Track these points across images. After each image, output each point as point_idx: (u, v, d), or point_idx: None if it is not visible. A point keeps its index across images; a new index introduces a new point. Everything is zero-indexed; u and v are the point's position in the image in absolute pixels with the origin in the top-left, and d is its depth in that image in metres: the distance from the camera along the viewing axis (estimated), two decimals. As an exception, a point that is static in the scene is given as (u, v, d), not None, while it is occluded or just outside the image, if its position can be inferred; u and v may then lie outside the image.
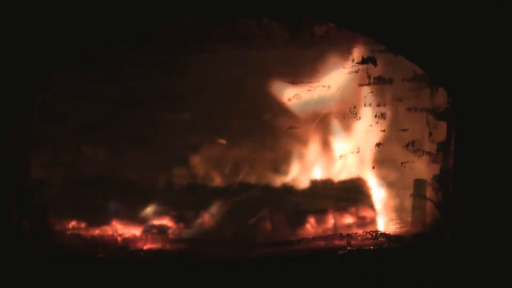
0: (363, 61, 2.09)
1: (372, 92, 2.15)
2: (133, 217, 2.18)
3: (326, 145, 2.25)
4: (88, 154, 2.25)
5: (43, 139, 2.12)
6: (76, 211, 2.17)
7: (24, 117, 2.02)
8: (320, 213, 2.17)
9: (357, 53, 2.10)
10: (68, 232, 2.14)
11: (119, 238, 2.11)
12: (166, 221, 2.19)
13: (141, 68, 2.13)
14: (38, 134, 2.10)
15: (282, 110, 2.22)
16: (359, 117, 2.17)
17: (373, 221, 2.18)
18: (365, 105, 2.16)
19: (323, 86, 2.16)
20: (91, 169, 2.23)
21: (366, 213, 2.20)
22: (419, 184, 2.18)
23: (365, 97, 2.15)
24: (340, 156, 2.21)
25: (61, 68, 2.03)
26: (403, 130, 2.17)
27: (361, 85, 2.14)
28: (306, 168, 2.28)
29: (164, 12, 1.89)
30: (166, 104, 2.19)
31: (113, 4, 1.82)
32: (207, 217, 2.18)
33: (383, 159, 2.19)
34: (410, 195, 2.19)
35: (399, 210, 2.20)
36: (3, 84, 1.87)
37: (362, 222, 2.17)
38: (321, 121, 2.22)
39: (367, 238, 2.08)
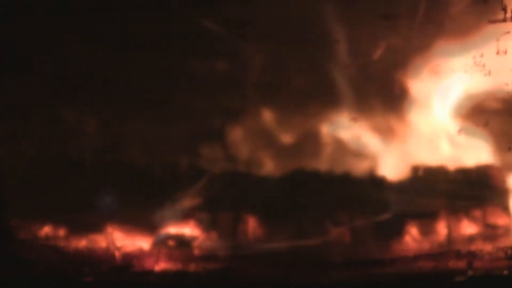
0: (494, -16, 1.81)
1: (509, 32, 1.75)
2: (138, 221, 1.80)
3: (437, 112, 1.80)
4: (67, 122, 1.81)
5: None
6: (50, 210, 1.80)
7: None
8: (427, 219, 1.79)
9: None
10: (39, 242, 1.83)
11: (117, 253, 1.80)
12: (189, 228, 1.82)
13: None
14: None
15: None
16: (488, 71, 1.76)
17: (508, 232, 1.78)
18: (497, 53, 1.76)
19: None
20: (73, 145, 1.81)
21: (498, 219, 1.80)
22: None
23: (498, 40, 1.75)
24: (459, 131, 1.78)
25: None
26: (558, 88, 1.83)
27: (491, 21, 1.75)
28: (405, 150, 1.83)
29: None
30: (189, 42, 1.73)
31: None
32: (252, 223, 1.80)
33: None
34: None
35: (549, 215, 1.83)
36: None
37: (492, 233, 1.79)
38: (431, 74, 1.78)
39: (499, 258, 1.73)
